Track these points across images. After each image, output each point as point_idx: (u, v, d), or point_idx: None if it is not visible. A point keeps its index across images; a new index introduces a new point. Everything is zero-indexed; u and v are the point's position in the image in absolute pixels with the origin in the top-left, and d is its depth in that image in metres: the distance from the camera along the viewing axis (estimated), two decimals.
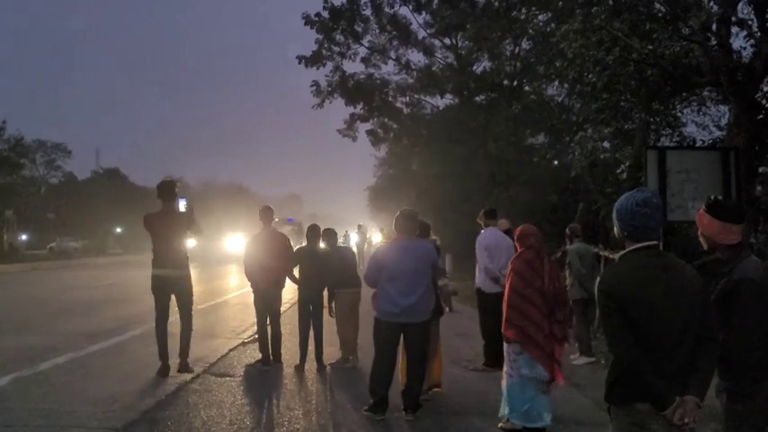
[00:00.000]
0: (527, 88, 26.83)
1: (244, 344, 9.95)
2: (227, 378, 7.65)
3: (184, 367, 7.74)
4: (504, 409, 5.85)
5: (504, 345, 5.96)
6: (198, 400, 6.59)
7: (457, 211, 24.92)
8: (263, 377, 7.82)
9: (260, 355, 8.47)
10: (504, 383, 5.90)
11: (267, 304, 8.44)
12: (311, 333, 8.41)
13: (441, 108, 29.59)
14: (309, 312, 8.42)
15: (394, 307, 6.12)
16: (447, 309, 14.79)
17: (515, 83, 26.47)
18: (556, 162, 25.39)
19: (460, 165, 25.74)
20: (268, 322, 8.49)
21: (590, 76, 11.87)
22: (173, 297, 7.85)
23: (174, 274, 7.73)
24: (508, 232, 8.42)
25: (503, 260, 8.05)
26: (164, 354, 7.68)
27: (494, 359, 8.16)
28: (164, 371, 7.58)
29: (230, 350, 9.44)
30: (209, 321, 11.93)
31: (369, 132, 30.37)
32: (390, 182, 43.62)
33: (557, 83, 21.62)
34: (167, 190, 7.97)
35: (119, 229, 63.56)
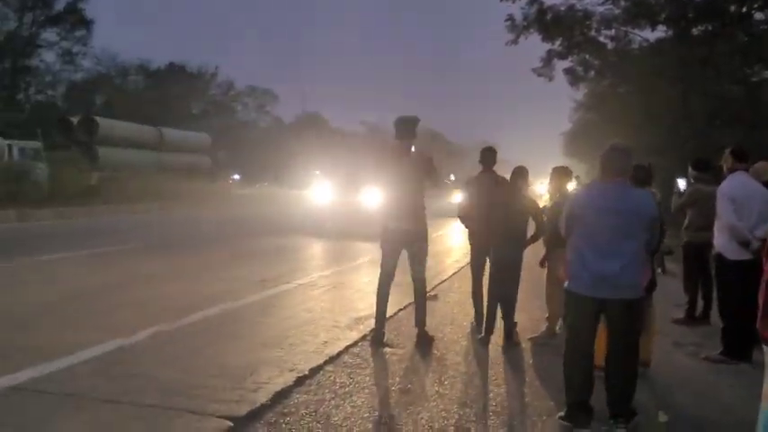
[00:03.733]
0: (758, 16, 23.08)
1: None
2: (388, 350, 6.31)
3: (423, 338, 6.54)
4: None
5: (765, 347, 4.01)
6: (347, 380, 5.30)
7: (667, 157, 22.02)
8: (438, 353, 6.32)
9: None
10: (763, 407, 3.99)
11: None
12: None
13: (651, 42, 26.26)
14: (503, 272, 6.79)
15: (587, 274, 4.42)
16: (660, 270, 12.75)
17: (744, 9, 22.81)
18: None
19: (673, 105, 22.78)
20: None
21: None
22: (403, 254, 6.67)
23: (409, 227, 6.48)
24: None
25: (755, 218, 6.00)
26: (380, 319, 6.57)
27: (735, 348, 6.23)
28: (376, 339, 6.50)
29: (399, 310, 7.81)
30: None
31: (567, 71, 27.86)
32: (588, 126, 40.72)
33: None
34: (408, 127, 6.62)
35: (318, 172, 65.77)
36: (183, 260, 11.75)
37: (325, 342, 6.44)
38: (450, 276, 11.14)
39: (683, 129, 22.22)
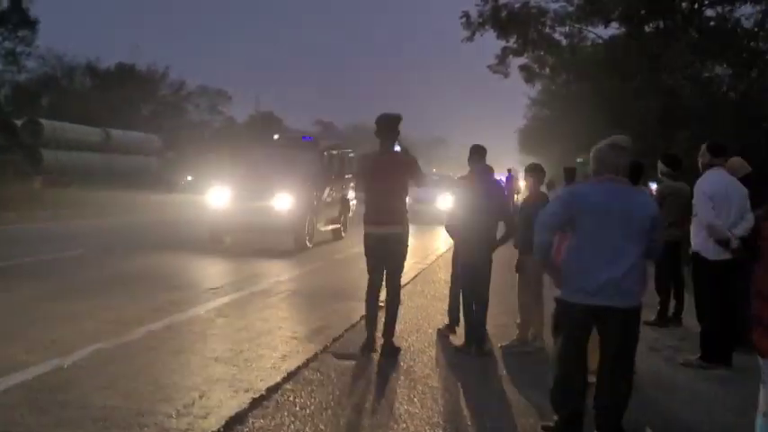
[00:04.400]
0: (708, 12, 23.38)
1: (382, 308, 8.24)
2: (352, 363, 5.86)
3: (390, 349, 6.15)
4: None
5: (760, 360, 3.65)
6: (308, 399, 4.82)
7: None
8: (405, 365, 5.89)
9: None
10: (759, 423, 3.64)
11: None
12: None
13: (605, 39, 26.39)
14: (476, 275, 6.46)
15: (588, 281, 4.04)
16: None
17: (695, 5, 23.08)
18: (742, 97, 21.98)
19: (627, 102, 22.86)
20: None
21: None
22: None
23: (390, 231, 6.12)
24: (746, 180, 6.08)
25: (733, 215, 5.76)
26: (371, 325, 6.24)
27: (714, 352, 5.95)
28: (367, 346, 6.14)
29: (362, 318, 7.03)
30: (340, 276, 10.43)
31: (522, 68, 27.80)
32: (543, 123, 40.97)
33: None
34: (389, 126, 6.20)
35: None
36: (127, 269, 10.93)
37: (284, 356, 5.97)
38: (413, 279, 10.73)
39: (638, 125, 22.29)
